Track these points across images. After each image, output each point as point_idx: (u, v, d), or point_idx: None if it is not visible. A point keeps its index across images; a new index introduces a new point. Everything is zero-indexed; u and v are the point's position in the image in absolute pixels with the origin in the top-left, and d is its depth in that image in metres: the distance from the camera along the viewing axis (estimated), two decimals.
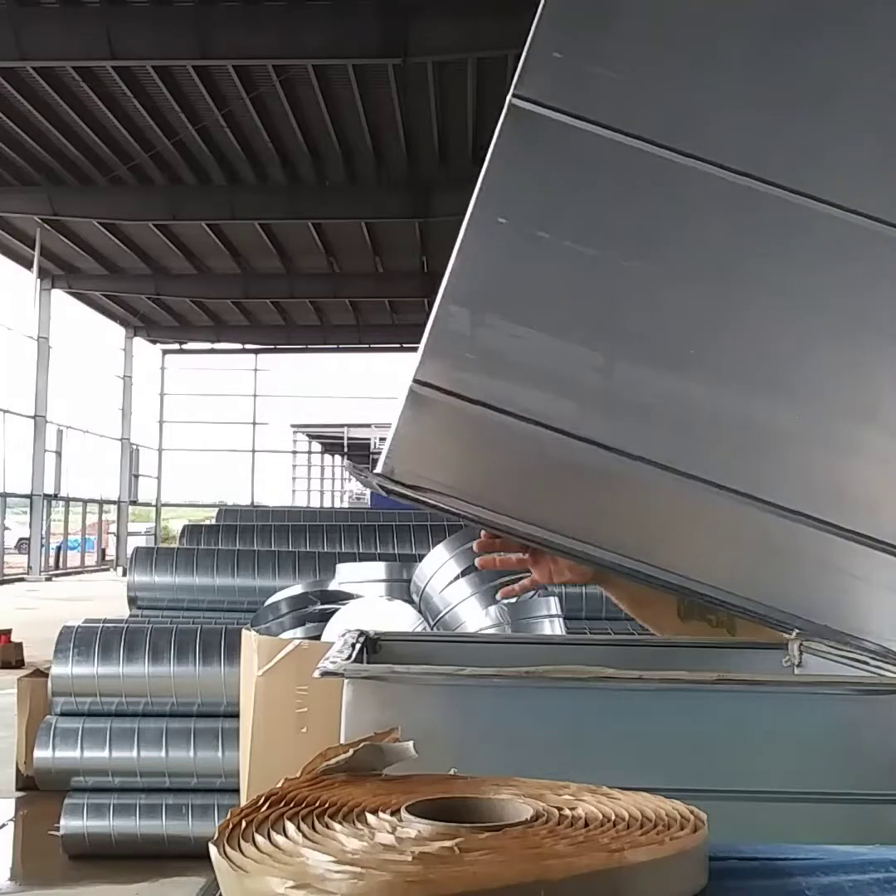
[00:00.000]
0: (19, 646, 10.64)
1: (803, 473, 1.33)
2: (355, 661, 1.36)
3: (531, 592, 4.06)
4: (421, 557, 5.21)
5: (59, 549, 27.05)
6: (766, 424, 1.34)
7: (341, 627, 1.45)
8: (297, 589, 5.62)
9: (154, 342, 30.28)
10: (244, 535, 8.72)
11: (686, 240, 1.35)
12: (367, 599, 5.06)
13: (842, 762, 1.29)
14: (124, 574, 14.09)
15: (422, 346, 1.31)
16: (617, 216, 1.35)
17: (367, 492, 33.72)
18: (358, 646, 1.40)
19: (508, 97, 1.33)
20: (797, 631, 1.30)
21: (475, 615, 4.73)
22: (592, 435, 1.31)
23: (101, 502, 28.99)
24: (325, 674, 1.32)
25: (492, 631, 4.57)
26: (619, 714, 1.29)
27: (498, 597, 4.33)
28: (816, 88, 1.37)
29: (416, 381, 1.31)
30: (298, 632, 4.76)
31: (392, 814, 0.85)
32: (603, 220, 1.35)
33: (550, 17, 1.35)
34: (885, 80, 1.37)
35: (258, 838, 0.79)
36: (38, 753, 4.98)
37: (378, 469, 1.34)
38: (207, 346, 30.34)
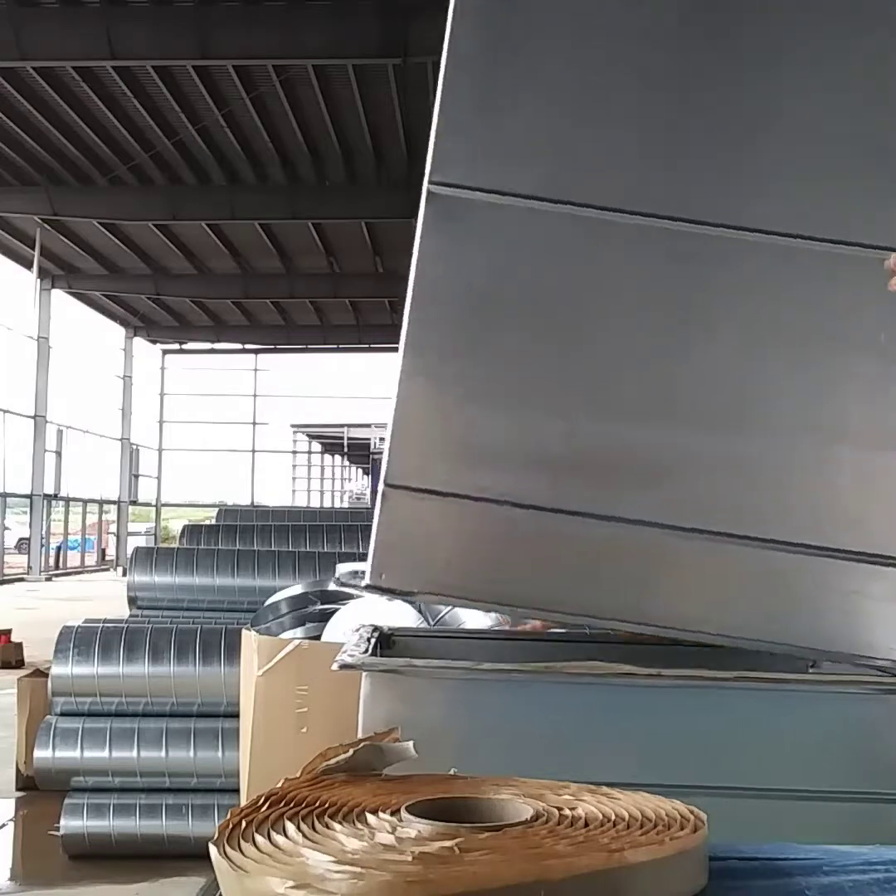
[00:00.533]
0: (19, 646, 10.63)
1: (784, 503, 1.33)
2: (371, 655, 1.36)
3: None
4: None
5: (59, 549, 27.03)
6: (738, 461, 1.33)
7: (347, 625, 1.45)
8: (297, 589, 5.62)
9: (154, 342, 30.26)
10: (244, 535, 8.71)
11: (621, 292, 1.35)
12: (367, 599, 5.06)
13: (856, 761, 1.29)
14: (124, 574, 14.09)
15: (386, 448, 1.32)
16: (550, 281, 1.35)
17: (367, 492, 33.69)
18: (373, 640, 1.40)
19: (425, 185, 1.34)
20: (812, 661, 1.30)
21: (476, 615, 4.71)
22: (572, 506, 1.31)
23: (101, 502, 28.97)
24: (344, 666, 1.33)
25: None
26: (635, 710, 1.30)
27: None
28: (719, 128, 1.36)
29: (387, 484, 1.32)
30: (298, 632, 4.76)
31: (392, 814, 0.84)
32: (536, 287, 1.35)
33: (450, 103, 1.36)
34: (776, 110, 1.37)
35: (258, 838, 0.79)
36: (38, 753, 4.97)
37: (367, 580, 1.35)
38: (207, 346, 30.32)
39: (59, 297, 23.82)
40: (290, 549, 8.06)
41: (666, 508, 1.30)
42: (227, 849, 0.77)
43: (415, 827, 0.80)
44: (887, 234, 1.34)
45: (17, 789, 5.97)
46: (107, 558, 29.42)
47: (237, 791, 3.78)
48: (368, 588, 1.33)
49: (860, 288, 1.34)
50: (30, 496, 24.43)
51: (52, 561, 26.00)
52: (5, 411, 22.75)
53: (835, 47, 1.34)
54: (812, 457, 1.32)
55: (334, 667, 1.34)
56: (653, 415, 1.32)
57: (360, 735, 1.27)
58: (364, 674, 1.32)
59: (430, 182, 1.31)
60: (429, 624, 4.83)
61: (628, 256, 1.34)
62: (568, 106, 1.35)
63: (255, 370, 32.15)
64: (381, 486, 1.32)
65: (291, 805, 0.88)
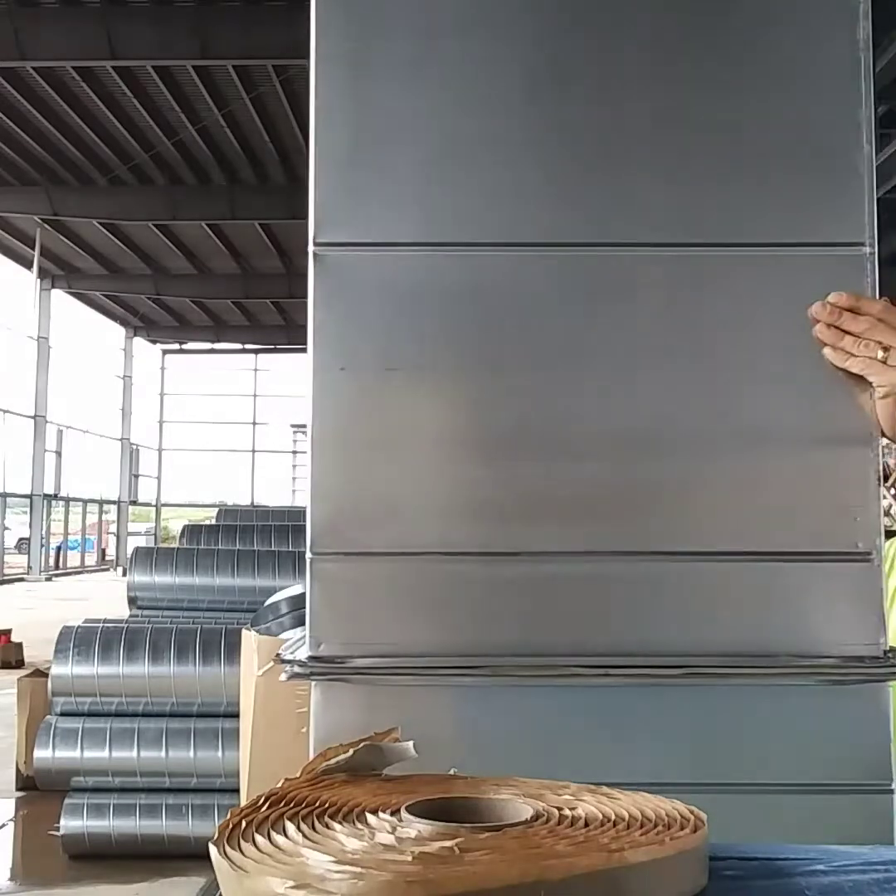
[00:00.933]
0: (19, 646, 10.64)
1: (715, 514, 1.34)
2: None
3: None
4: None
5: (59, 549, 27.06)
6: (660, 482, 1.34)
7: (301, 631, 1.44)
8: (297, 589, 5.61)
9: (154, 342, 30.29)
10: (244, 535, 8.71)
11: (523, 327, 1.35)
12: None
13: (813, 752, 1.30)
14: (124, 574, 14.09)
15: (308, 516, 1.32)
16: (451, 324, 1.35)
17: None
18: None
19: (310, 249, 1.34)
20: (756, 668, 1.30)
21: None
22: (506, 547, 1.31)
23: (101, 502, 29.00)
24: (294, 676, 1.32)
25: None
26: (592, 710, 1.31)
27: None
28: (589, 151, 1.37)
29: (313, 553, 1.32)
30: (298, 632, 4.76)
31: (392, 814, 0.85)
32: (437, 332, 1.35)
33: (323, 161, 1.36)
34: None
35: (258, 838, 0.79)
36: (38, 753, 4.98)
37: (307, 653, 1.34)
38: (207, 346, 30.35)
39: (59, 297, 23.83)
40: (290, 549, 8.06)
41: (601, 537, 1.31)
42: (227, 849, 0.77)
43: (415, 827, 0.80)
44: (765, 232, 1.35)
45: (17, 789, 5.98)
46: (107, 558, 29.45)
47: (237, 791, 3.78)
48: (311, 660, 1.33)
49: (766, 289, 1.34)
50: (30, 496, 24.45)
51: (51, 561, 26.02)
52: (5, 411, 22.76)
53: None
54: (740, 464, 1.33)
55: (282, 677, 1.34)
56: (576, 448, 1.33)
57: (311, 745, 1.28)
58: (313, 683, 1.32)
59: (315, 244, 1.31)
60: None
61: (521, 289, 1.34)
62: (436, 150, 1.36)
63: (255, 370, 32.18)
64: (307, 555, 1.32)
65: (291, 805, 0.88)
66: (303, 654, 1.33)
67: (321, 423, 1.34)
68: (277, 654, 1.38)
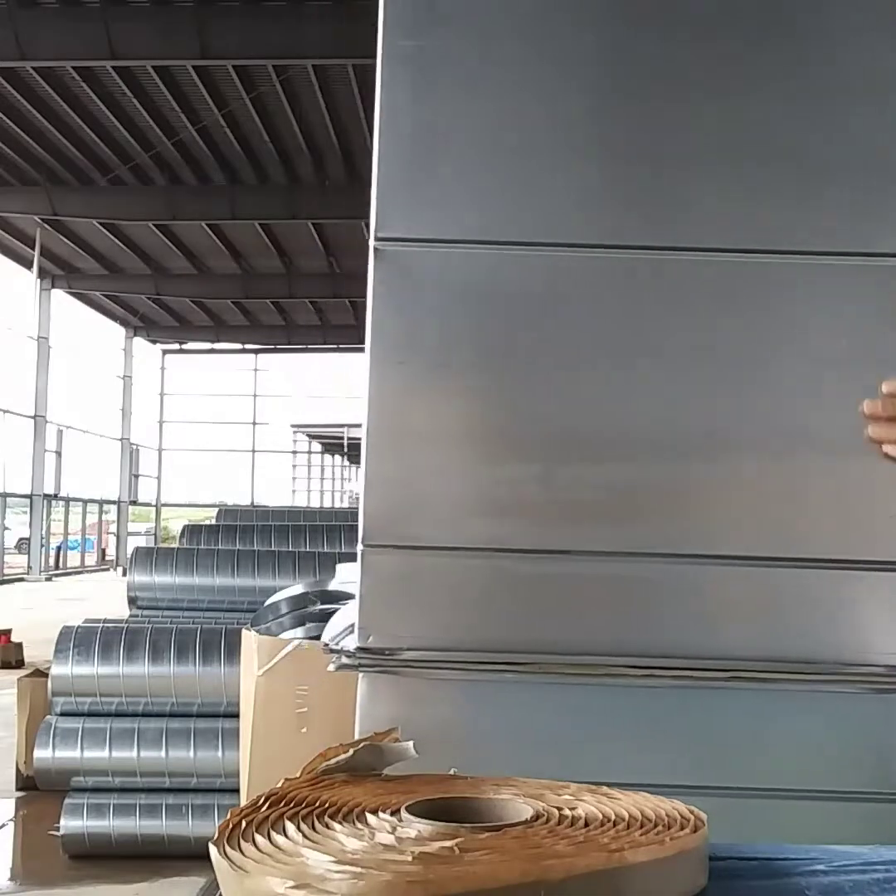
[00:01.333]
0: (19, 646, 10.63)
1: (762, 520, 1.33)
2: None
3: None
4: None
5: (59, 549, 27.03)
6: (711, 485, 1.34)
7: (345, 621, 1.45)
8: (297, 589, 5.61)
9: (154, 342, 30.26)
10: (244, 535, 8.70)
11: (575, 327, 1.35)
12: None
13: (855, 760, 1.30)
14: (124, 574, 14.09)
15: (360, 508, 1.32)
16: (507, 323, 1.35)
17: None
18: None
19: (371, 243, 1.34)
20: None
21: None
22: (554, 545, 1.32)
23: (101, 502, 28.97)
24: (342, 667, 1.33)
25: None
26: (635, 710, 1.30)
27: None
28: (655, 150, 1.37)
29: (364, 544, 1.32)
30: (298, 632, 4.75)
31: (392, 814, 0.85)
32: (493, 330, 1.35)
33: (386, 158, 1.36)
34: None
35: (258, 838, 0.79)
36: (38, 753, 4.97)
37: (355, 644, 1.34)
38: (207, 346, 30.32)
39: (59, 297, 23.82)
40: (290, 549, 8.05)
41: (648, 538, 1.31)
42: (227, 849, 0.77)
43: (415, 827, 0.80)
44: (835, 241, 1.34)
45: (18, 789, 5.97)
46: (107, 558, 29.42)
47: (237, 791, 3.77)
48: (359, 651, 1.34)
49: (819, 297, 1.34)
50: (30, 496, 24.43)
51: (51, 561, 25.99)
52: (5, 411, 22.75)
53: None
54: (787, 471, 1.32)
55: (331, 668, 1.34)
56: (624, 449, 1.33)
57: (357, 736, 1.28)
58: (360, 674, 1.32)
59: (376, 239, 1.32)
60: None
61: (577, 290, 1.34)
62: (498, 150, 1.36)
63: (255, 370, 32.15)
64: (359, 547, 1.32)
65: (291, 805, 0.88)
66: (350, 644, 1.34)
67: (377, 416, 1.34)
68: (325, 644, 1.38)
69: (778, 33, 1.37)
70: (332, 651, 1.35)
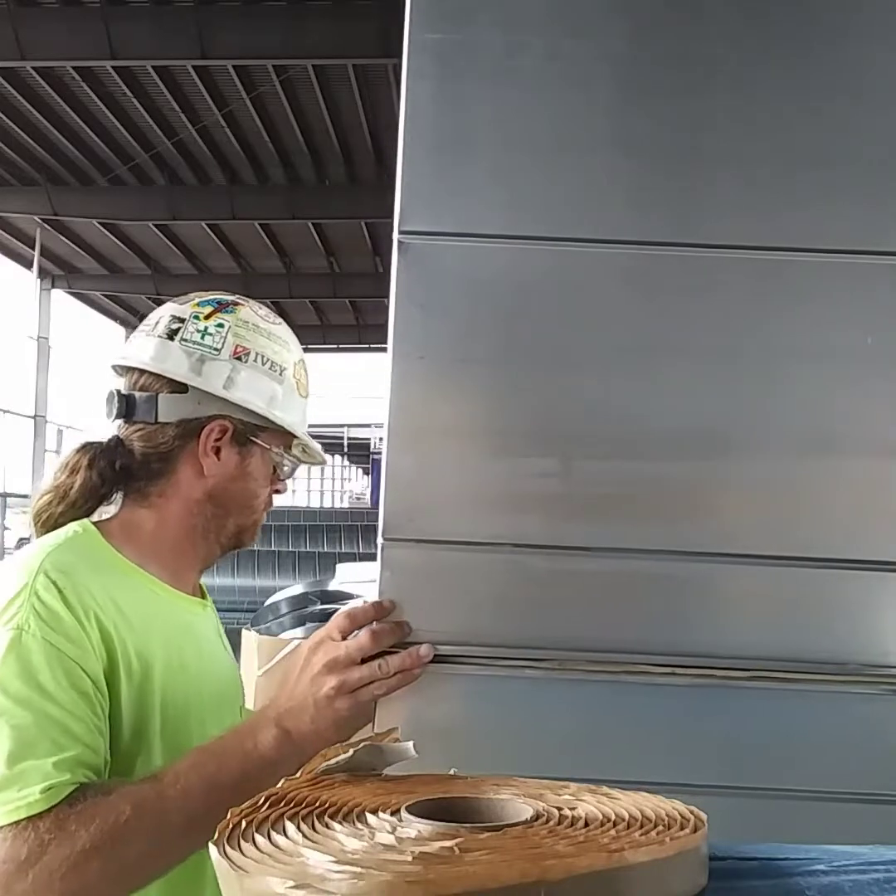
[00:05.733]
0: None
1: (785, 519, 1.33)
2: None
3: None
4: None
5: None
6: (731, 483, 1.34)
7: None
8: (297, 589, 5.62)
9: None
10: None
11: (597, 324, 1.35)
12: (367, 599, 5.06)
13: (865, 761, 1.29)
14: None
15: (381, 502, 1.33)
16: (529, 318, 1.35)
17: (368, 492, 33.62)
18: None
19: (395, 236, 1.34)
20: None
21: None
22: (572, 541, 1.32)
23: None
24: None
25: None
26: (641, 709, 1.30)
27: None
28: (678, 145, 1.37)
29: (385, 538, 1.33)
30: (298, 632, 4.75)
31: (392, 814, 0.85)
32: (516, 325, 1.35)
33: (411, 151, 1.36)
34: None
35: (258, 838, 0.79)
36: None
37: None
38: None
39: (59, 297, 23.82)
40: (290, 549, 8.06)
41: (667, 536, 1.31)
42: (227, 849, 0.77)
43: (415, 827, 0.80)
44: (859, 239, 1.34)
45: None
46: None
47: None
48: None
49: (840, 295, 1.34)
50: (30, 496, 24.40)
51: None
52: (5, 411, 22.75)
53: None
54: (808, 470, 1.32)
55: None
56: (644, 446, 1.32)
57: (375, 732, 1.29)
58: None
59: (400, 232, 1.32)
60: None
61: (601, 286, 1.34)
62: (523, 144, 1.36)
63: None
64: (379, 541, 1.33)
65: (291, 805, 0.88)
66: None
67: (398, 411, 1.34)
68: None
69: (803, 32, 1.37)
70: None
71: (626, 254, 1.35)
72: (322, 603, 5.09)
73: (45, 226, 18.41)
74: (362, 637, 1.37)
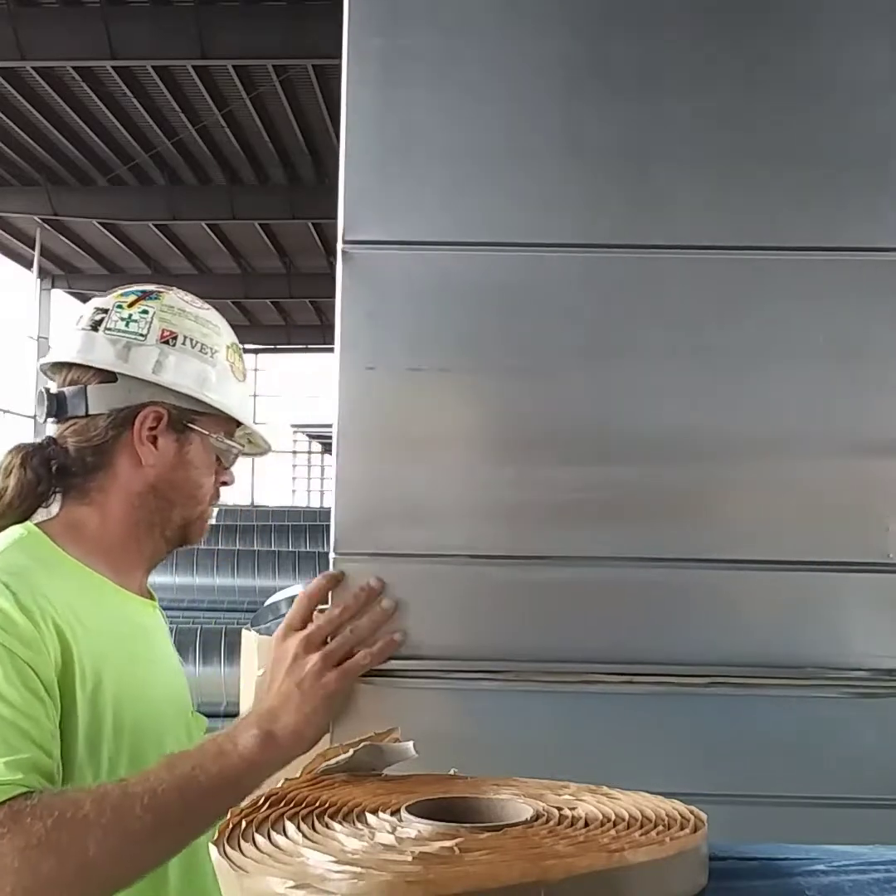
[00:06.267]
0: None
1: (752, 521, 1.33)
2: None
3: None
4: None
5: None
6: (694, 488, 1.33)
7: None
8: (297, 589, 5.60)
9: None
10: (244, 535, 8.72)
11: (550, 329, 1.34)
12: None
13: (840, 765, 1.29)
14: None
15: (332, 515, 1.32)
16: (473, 324, 1.34)
17: None
18: None
19: (339, 247, 1.33)
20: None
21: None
22: (529, 551, 1.31)
23: None
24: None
25: None
26: (614, 716, 1.30)
27: None
28: (628, 149, 1.37)
29: (337, 553, 1.32)
30: None
31: (392, 814, 0.85)
32: (465, 332, 1.34)
33: (353, 159, 1.36)
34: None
35: (258, 838, 0.79)
36: None
37: None
38: None
39: (59, 297, 23.82)
40: (290, 549, 8.06)
41: (629, 543, 1.30)
42: (227, 849, 0.77)
43: (415, 827, 0.80)
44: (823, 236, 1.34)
45: None
46: None
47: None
48: None
49: (796, 294, 1.33)
50: None
51: None
52: (5, 411, 22.75)
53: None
54: (769, 472, 1.31)
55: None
56: (605, 452, 1.32)
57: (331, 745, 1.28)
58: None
59: (344, 242, 1.31)
60: None
61: (552, 290, 1.33)
62: (466, 149, 1.35)
63: (255, 370, 32.13)
64: (331, 556, 1.32)
65: (291, 805, 0.88)
66: None
67: (348, 422, 1.33)
68: None
69: (773, 28, 1.36)
70: None
71: (579, 257, 1.34)
72: (322, 603, 5.10)
73: (45, 226, 18.41)
74: (327, 613, 1.35)
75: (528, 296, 1.34)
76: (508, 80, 1.35)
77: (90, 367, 1.64)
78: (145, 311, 1.67)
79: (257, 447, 1.85)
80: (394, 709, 1.30)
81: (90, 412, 1.63)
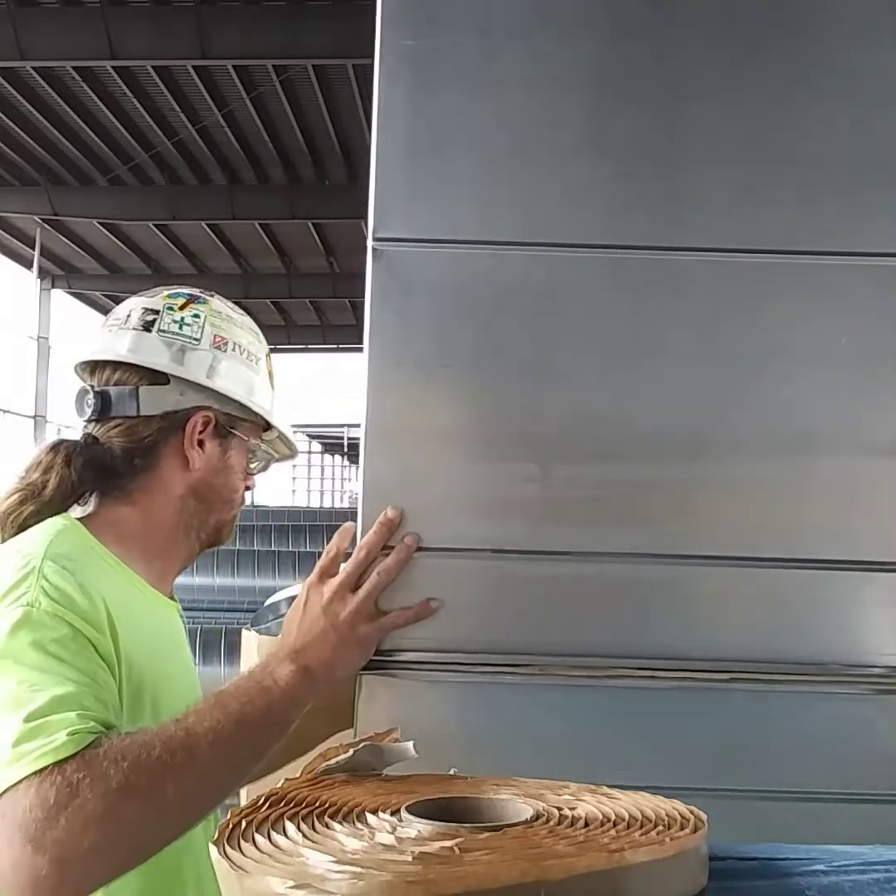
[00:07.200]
0: None
1: (764, 520, 1.33)
2: None
3: None
4: None
5: None
6: (711, 485, 1.34)
7: None
8: (296, 589, 5.61)
9: None
10: (244, 535, 8.72)
11: (575, 327, 1.35)
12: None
13: (858, 762, 1.30)
14: None
15: (359, 510, 1.32)
16: (501, 322, 1.35)
17: None
18: None
19: (369, 244, 1.34)
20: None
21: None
22: (551, 547, 1.31)
23: None
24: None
25: None
26: (636, 711, 1.30)
27: None
28: (656, 151, 1.37)
29: None
30: None
31: (392, 814, 0.85)
32: (491, 330, 1.35)
33: (384, 158, 1.36)
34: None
35: (258, 838, 0.79)
36: None
37: None
38: None
39: (59, 297, 23.82)
40: (290, 549, 8.06)
41: (647, 539, 1.31)
42: (227, 849, 0.77)
43: (415, 827, 0.81)
44: (829, 241, 1.35)
45: None
46: None
47: (237, 791, 3.77)
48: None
49: (817, 296, 1.34)
50: None
51: None
52: (5, 411, 22.76)
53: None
54: (788, 471, 1.32)
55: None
56: (625, 450, 1.32)
57: (357, 736, 1.28)
58: (359, 675, 1.32)
59: (374, 239, 1.31)
60: None
61: (579, 290, 1.34)
62: (497, 149, 1.36)
63: None
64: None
65: (291, 805, 0.88)
66: None
67: (375, 418, 1.34)
68: None
69: (797, 34, 1.37)
70: None
71: (604, 258, 1.34)
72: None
73: (45, 226, 18.41)
74: (353, 557, 1.35)
75: (554, 294, 1.35)
76: (537, 81, 1.36)
77: (140, 368, 1.64)
78: (197, 315, 1.68)
79: (287, 450, 1.87)
80: (414, 701, 1.31)
81: (141, 413, 1.63)
